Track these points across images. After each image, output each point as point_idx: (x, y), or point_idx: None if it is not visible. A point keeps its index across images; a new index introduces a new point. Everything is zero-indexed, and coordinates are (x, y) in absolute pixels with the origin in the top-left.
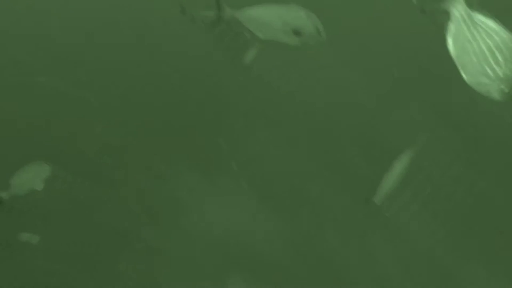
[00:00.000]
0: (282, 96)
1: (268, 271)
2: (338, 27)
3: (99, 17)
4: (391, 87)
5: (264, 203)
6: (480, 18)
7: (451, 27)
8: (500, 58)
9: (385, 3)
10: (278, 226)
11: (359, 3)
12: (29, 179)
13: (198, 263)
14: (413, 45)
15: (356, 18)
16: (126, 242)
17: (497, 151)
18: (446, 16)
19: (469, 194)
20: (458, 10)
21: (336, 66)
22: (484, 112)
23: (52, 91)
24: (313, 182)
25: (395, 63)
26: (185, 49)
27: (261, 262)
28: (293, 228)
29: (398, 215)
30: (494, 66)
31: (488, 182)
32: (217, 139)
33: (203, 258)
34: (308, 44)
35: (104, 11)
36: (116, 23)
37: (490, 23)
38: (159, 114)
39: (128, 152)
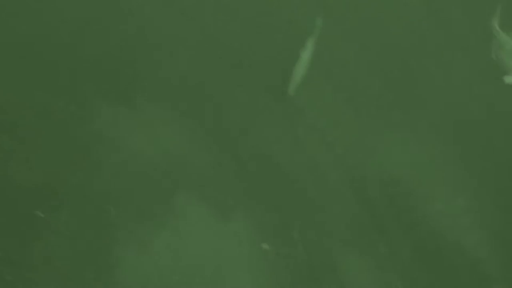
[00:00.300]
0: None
1: (208, 181)
2: None
3: None
4: None
5: (188, 120)
6: None
7: None
8: None
9: None
10: (206, 137)
11: None
12: None
13: (144, 192)
14: None
15: None
16: (63, 192)
17: (393, 28)
18: None
19: (372, 70)
20: None
21: None
22: None
23: None
24: (229, 86)
25: None
26: None
27: (201, 175)
28: (221, 134)
29: (312, 100)
30: None
31: (388, 58)
32: (126, 67)
33: (147, 186)
34: None
35: None
36: None
37: None
38: (64, 52)
39: (40, 99)
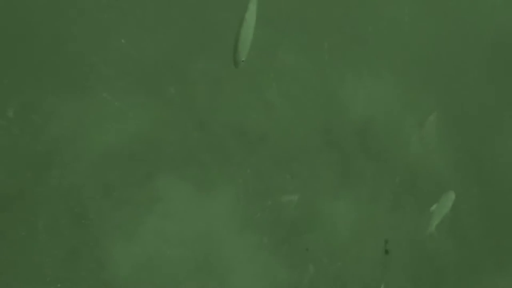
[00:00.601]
0: None
1: (186, 159)
2: None
3: None
4: None
5: (154, 101)
6: None
7: None
8: None
9: None
10: (175, 116)
11: None
12: None
13: (123, 182)
14: None
15: None
16: (39, 194)
17: None
18: None
19: (321, 18)
20: None
21: None
22: None
23: None
24: (187, 62)
25: None
26: None
27: (178, 154)
28: (191, 111)
29: (269, 61)
30: None
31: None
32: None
33: (125, 176)
34: None
35: None
36: None
37: None
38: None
39: None
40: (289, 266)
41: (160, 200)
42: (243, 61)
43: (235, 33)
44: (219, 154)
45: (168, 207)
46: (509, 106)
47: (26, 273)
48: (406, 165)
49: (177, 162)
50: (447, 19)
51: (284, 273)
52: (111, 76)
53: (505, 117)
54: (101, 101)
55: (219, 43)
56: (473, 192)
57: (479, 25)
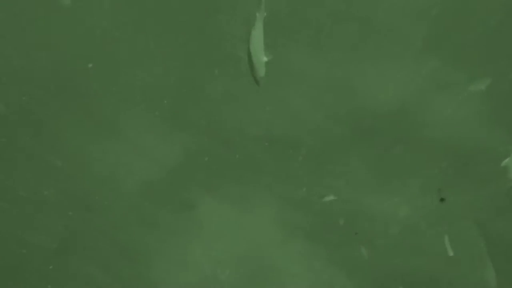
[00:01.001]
0: None
1: (219, 180)
2: None
3: None
4: None
5: (177, 129)
6: None
7: None
8: None
9: None
10: (200, 140)
11: None
12: None
13: (162, 211)
14: None
15: None
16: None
17: None
18: None
19: (333, 13)
20: None
21: None
22: None
23: None
24: (206, 78)
25: None
26: None
27: (210, 177)
28: (216, 131)
29: (285, 66)
30: None
31: None
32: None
33: (162, 209)
34: None
35: None
36: None
37: None
38: None
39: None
40: (347, 269)
41: (203, 225)
42: (262, 77)
43: (246, 49)
44: (252, 169)
45: (212, 230)
46: None
47: None
48: (454, 143)
49: (213, 185)
50: None
51: (343, 278)
52: (134, 109)
53: None
54: (129, 137)
55: (231, 60)
56: None
57: None
